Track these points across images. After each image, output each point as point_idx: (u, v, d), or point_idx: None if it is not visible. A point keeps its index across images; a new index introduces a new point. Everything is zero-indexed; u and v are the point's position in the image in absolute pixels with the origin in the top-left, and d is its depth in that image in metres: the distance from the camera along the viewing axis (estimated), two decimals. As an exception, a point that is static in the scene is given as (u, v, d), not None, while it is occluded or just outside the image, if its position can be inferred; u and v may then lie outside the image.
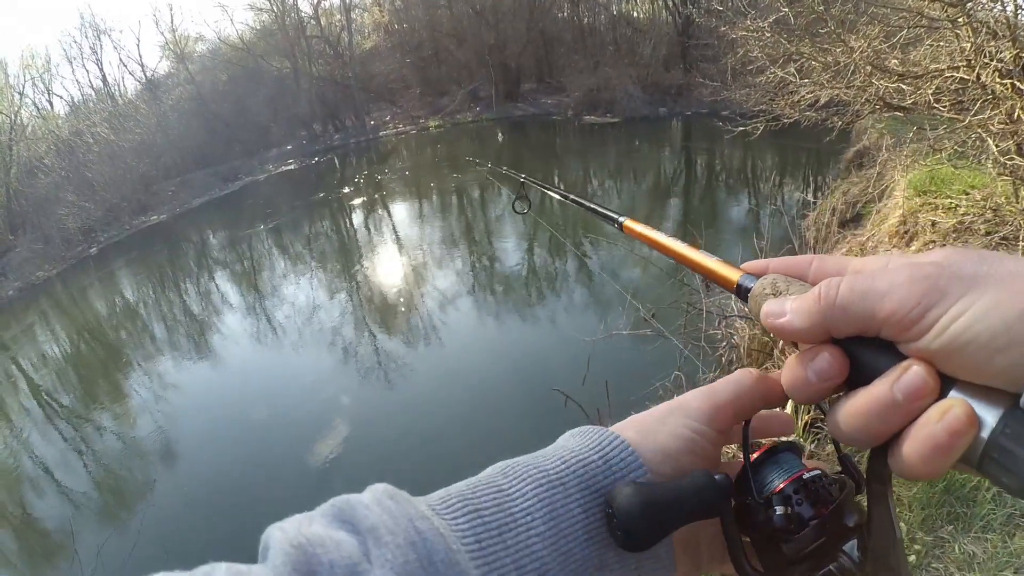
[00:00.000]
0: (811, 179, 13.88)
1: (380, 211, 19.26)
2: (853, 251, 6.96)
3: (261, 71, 33.37)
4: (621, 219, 0.92)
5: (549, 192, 1.41)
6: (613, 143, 22.37)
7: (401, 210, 19.04)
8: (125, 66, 52.82)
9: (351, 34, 35.33)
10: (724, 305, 5.87)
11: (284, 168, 29.66)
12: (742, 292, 0.51)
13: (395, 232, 16.80)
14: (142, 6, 61.89)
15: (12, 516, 8.60)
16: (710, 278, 0.57)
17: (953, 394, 0.36)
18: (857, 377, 0.40)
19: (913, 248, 6.04)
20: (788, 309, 0.43)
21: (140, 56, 55.73)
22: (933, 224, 6.00)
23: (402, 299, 11.91)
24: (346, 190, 22.66)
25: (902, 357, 0.38)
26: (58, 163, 29.20)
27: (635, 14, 31.04)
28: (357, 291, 13.15)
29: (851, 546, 0.42)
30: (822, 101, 8.36)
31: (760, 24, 7.98)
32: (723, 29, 9.47)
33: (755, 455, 0.48)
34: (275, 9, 32.68)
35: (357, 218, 19.43)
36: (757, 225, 11.11)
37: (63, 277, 22.52)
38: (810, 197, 11.21)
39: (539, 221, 12.86)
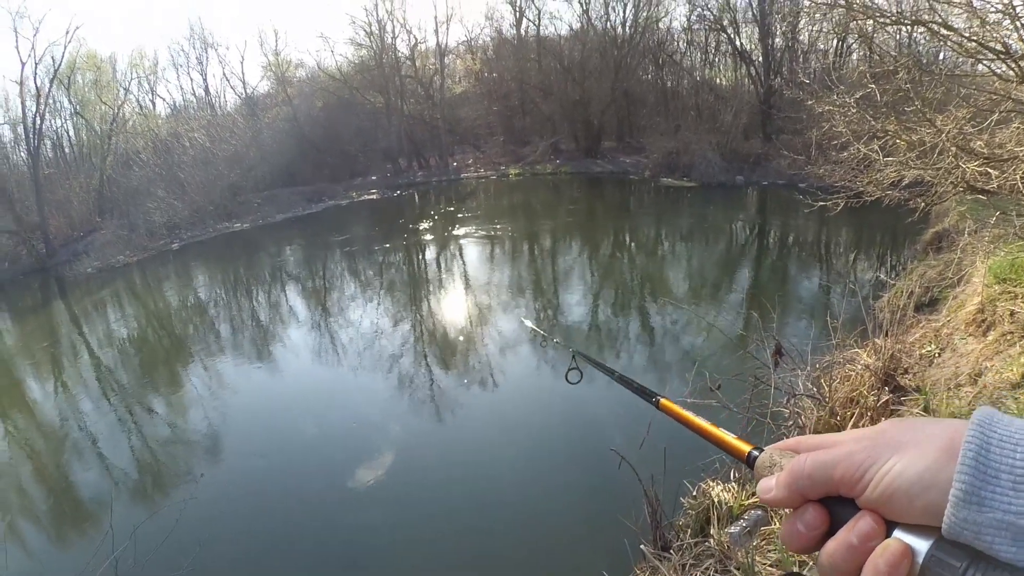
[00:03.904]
0: (887, 259, 13.56)
1: (452, 249, 19.66)
2: (927, 337, 6.70)
3: (355, 103, 34.85)
4: (658, 397, 1.05)
5: (597, 368, 1.54)
6: (687, 207, 22.32)
7: (472, 251, 19.35)
8: (227, 80, 56.17)
9: (443, 78, 36.65)
10: (794, 383, 5.70)
11: (367, 197, 30.71)
12: (751, 460, 0.66)
13: (464, 271, 17.10)
14: (249, 27, 65.60)
15: (51, 479, 8.92)
16: (726, 450, 0.73)
17: (896, 533, 0.48)
18: (835, 527, 0.53)
19: (990, 338, 5.85)
20: (773, 485, 0.57)
21: (243, 73, 58.67)
22: (1012, 314, 5.77)
23: (463, 337, 12.04)
24: (423, 225, 23.25)
25: (859, 509, 0.51)
26: (153, 159, 31.03)
27: (718, 80, 31.23)
28: (420, 324, 13.35)
29: None
30: (906, 181, 8.26)
31: (846, 99, 7.97)
32: (809, 103, 9.47)
33: None
34: (374, 47, 34.24)
35: (429, 253, 19.86)
36: (828, 302, 10.89)
37: (142, 265, 23.71)
38: (885, 277, 10.94)
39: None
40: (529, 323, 3.04)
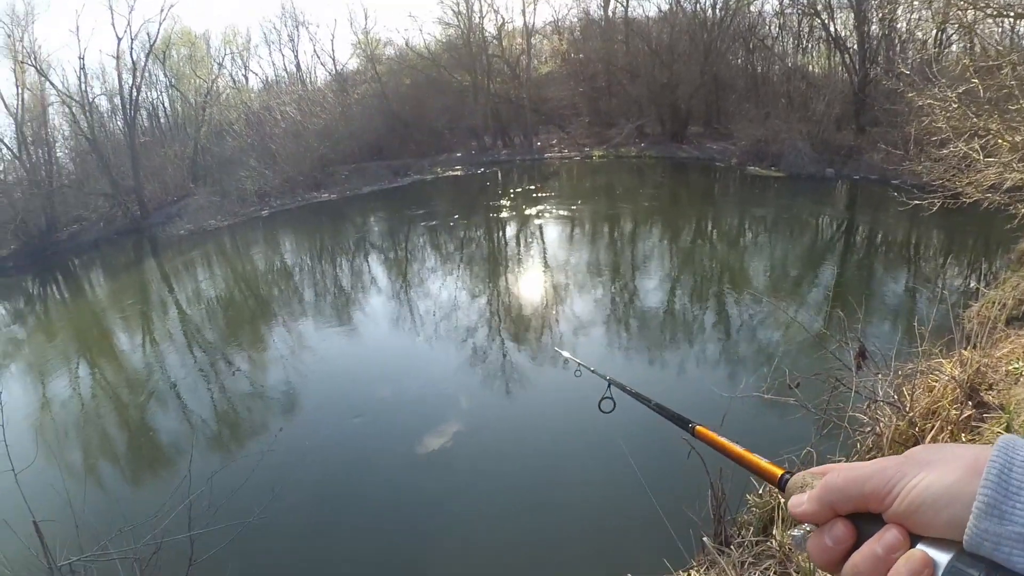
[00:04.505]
0: (979, 266, 12.92)
1: (532, 229, 19.81)
2: (1016, 353, 6.39)
3: (442, 81, 35.30)
4: (694, 424, 1.05)
5: (632, 396, 1.48)
6: (774, 197, 21.66)
7: (552, 231, 19.48)
8: (318, 57, 58.33)
9: (529, 58, 36.56)
10: (874, 388, 5.46)
11: (451, 173, 31.19)
12: (782, 483, 0.70)
13: (543, 251, 17.27)
14: (339, 6, 66.93)
15: (135, 426, 9.60)
16: (759, 474, 0.77)
17: (919, 546, 0.51)
18: (861, 543, 0.55)
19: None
20: (805, 499, 0.61)
21: (332, 50, 60.55)
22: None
23: (537, 316, 12.24)
24: (505, 203, 23.48)
25: (884, 523, 0.54)
26: (246, 131, 32.68)
27: (811, 68, 29.90)
28: (496, 299, 13.64)
29: None
30: (1007, 184, 7.91)
31: (947, 93, 7.66)
32: (910, 95, 9.11)
33: None
34: (461, 26, 34.46)
35: (509, 231, 20.09)
36: (915, 307, 10.50)
37: (232, 229, 25.02)
38: (976, 285, 10.45)
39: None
40: (565, 353, 2.96)
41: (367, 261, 18.57)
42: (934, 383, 5.56)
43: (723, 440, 0.90)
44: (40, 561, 4.05)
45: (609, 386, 1.76)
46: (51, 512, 4.40)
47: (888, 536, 0.53)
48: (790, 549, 4.17)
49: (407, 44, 38.06)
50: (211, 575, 4.78)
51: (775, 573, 4.05)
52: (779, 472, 0.72)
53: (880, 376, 5.57)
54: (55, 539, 4.23)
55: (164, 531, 4.44)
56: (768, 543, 4.33)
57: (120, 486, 8.05)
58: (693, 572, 4.43)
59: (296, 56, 52.32)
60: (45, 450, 8.52)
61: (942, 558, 0.49)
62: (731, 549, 4.41)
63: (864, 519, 0.56)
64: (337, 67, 40.73)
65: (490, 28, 35.53)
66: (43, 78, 28.52)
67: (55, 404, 10.67)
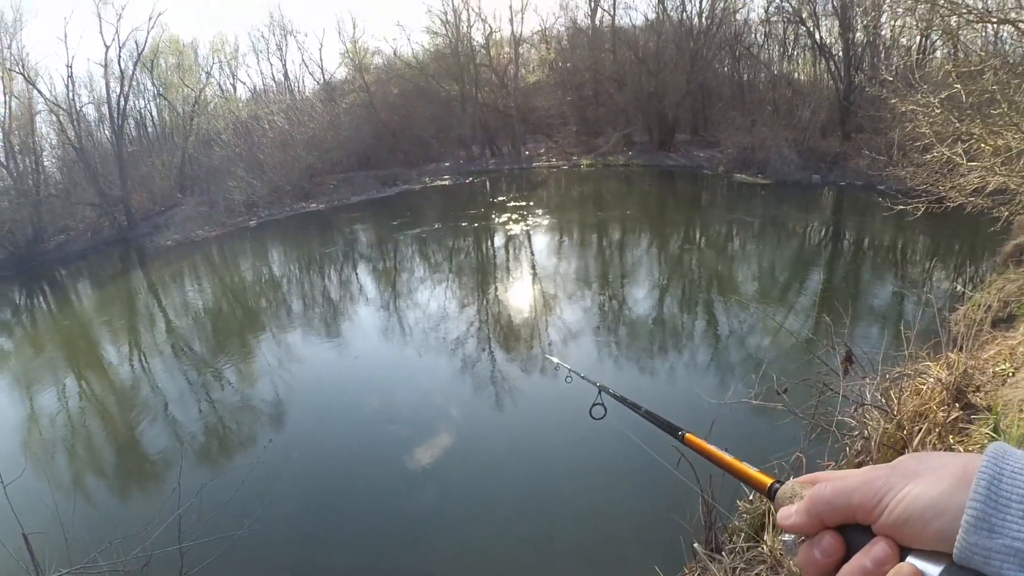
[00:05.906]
0: (965, 269, 13.00)
1: (521, 238, 19.80)
2: (1002, 355, 6.39)
3: (430, 90, 35.38)
4: (683, 432, 1.05)
5: (622, 403, 1.49)
6: (761, 205, 21.72)
7: (541, 240, 19.47)
8: (306, 66, 58.44)
9: (517, 67, 36.70)
10: (862, 392, 5.45)
11: (439, 182, 31.16)
12: (772, 492, 0.69)
13: (532, 260, 17.28)
14: (327, 15, 67.43)
15: (123, 439, 9.49)
16: (749, 483, 0.77)
17: (908, 559, 0.50)
18: (850, 554, 0.55)
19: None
20: (793, 512, 0.61)
21: (321, 60, 60.49)
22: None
23: (526, 326, 12.19)
24: (493, 213, 23.44)
25: (874, 535, 0.53)
26: (234, 140, 32.45)
27: (796, 75, 30.16)
28: (485, 309, 13.58)
29: None
30: (990, 188, 7.99)
31: (930, 99, 7.75)
32: (893, 101, 9.22)
33: None
34: (450, 35, 34.67)
35: (498, 241, 20.03)
36: (902, 311, 10.57)
37: (220, 240, 24.84)
38: (962, 288, 10.54)
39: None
40: (555, 359, 2.99)
41: (356, 272, 18.50)
42: (921, 386, 5.56)
43: (712, 448, 0.90)
44: (30, 574, 4.01)
45: (600, 392, 1.75)
46: (40, 525, 4.36)
47: (877, 549, 0.52)
48: (781, 555, 4.17)
49: (395, 53, 38.39)
50: (201, 587, 4.73)
51: (766, 578, 4.01)
52: (768, 481, 0.72)
53: (867, 380, 5.57)
54: (44, 552, 4.19)
55: (154, 544, 4.42)
56: (759, 548, 4.30)
57: (109, 499, 7.96)
58: (685, 580, 4.43)
59: (284, 65, 52.48)
60: (33, 463, 8.44)
61: (932, 571, 0.48)
62: (722, 555, 4.40)
63: (853, 530, 0.56)
64: (325, 76, 40.90)
65: (478, 37, 35.89)
66: (31, 86, 28.37)
67: (43, 417, 10.54)
